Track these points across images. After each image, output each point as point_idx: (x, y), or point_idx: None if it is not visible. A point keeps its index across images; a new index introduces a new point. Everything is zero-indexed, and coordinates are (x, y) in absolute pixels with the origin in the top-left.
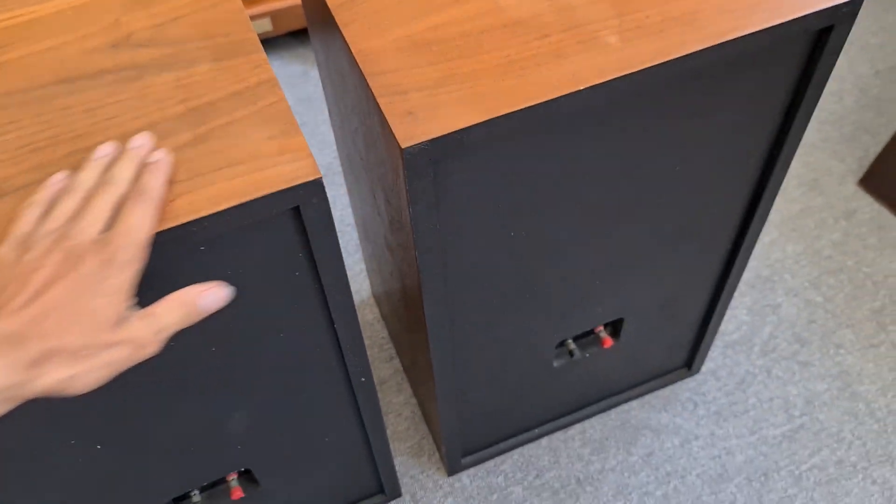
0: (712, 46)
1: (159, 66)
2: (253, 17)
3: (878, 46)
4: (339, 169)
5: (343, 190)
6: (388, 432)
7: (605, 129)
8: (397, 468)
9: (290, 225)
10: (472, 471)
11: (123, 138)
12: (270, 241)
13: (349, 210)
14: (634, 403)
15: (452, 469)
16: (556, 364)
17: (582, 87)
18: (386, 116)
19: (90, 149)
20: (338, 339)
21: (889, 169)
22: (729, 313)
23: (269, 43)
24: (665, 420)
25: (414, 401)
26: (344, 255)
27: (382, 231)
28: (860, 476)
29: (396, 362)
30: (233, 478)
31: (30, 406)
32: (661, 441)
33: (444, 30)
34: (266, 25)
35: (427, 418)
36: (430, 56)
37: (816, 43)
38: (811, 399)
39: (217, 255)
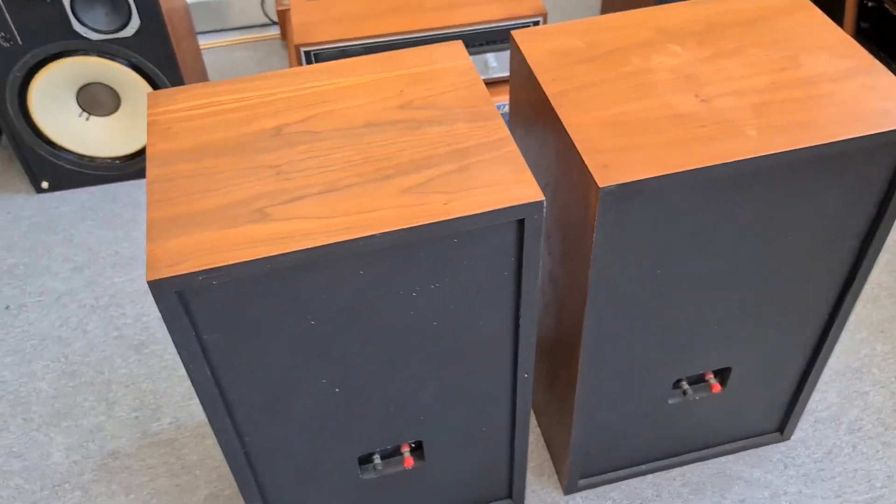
0: (823, 144)
1: (431, 122)
2: None
3: None
4: None
5: None
6: None
7: (740, 198)
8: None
9: (513, 232)
10: (584, 493)
11: (409, 164)
12: (497, 242)
13: None
14: (731, 458)
15: (569, 489)
16: (671, 401)
17: (727, 161)
18: (588, 166)
19: (391, 167)
20: (517, 334)
21: None
22: (820, 395)
23: None
24: (757, 475)
25: (538, 430)
26: None
27: (548, 267)
28: None
29: None
30: (406, 449)
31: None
32: (752, 491)
33: (630, 115)
34: None
35: (549, 444)
36: (619, 131)
37: None
38: (892, 475)
39: (461, 247)
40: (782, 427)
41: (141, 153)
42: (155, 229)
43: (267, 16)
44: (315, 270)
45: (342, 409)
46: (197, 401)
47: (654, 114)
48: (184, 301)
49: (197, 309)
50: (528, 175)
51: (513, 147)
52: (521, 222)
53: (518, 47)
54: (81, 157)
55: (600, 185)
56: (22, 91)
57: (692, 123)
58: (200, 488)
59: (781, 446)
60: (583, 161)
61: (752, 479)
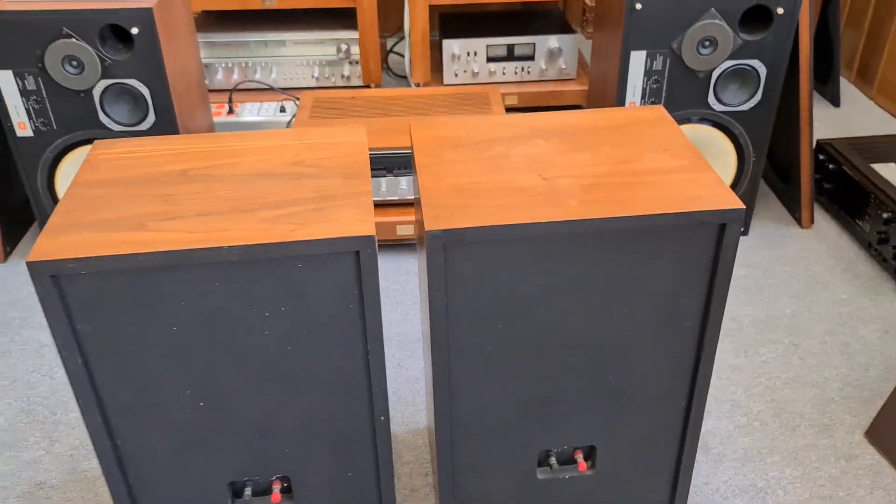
0: (627, 217)
1: (312, 176)
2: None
3: None
4: None
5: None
6: None
7: (567, 264)
8: None
9: (351, 264)
10: None
11: (278, 203)
12: (338, 273)
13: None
14: None
15: None
16: (540, 476)
17: (536, 221)
18: (424, 216)
19: (261, 203)
20: (369, 373)
21: (890, 424)
22: None
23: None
24: None
25: None
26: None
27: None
28: None
29: (430, 478)
30: (277, 486)
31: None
32: None
33: (477, 185)
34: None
35: None
36: (462, 195)
37: (720, 235)
38: None
39: (305, 273)
40: None
41: None
42: (48, 231)
43: None
44: (174, 274)
45: (209, 426)
46: None
47: (499, 185)
48: (59, 286)
49: (70, 296)
50: (371, 218)
51: (368, 199)
52: (357, 255)
53: (411, 133)
54: None
55: (426, 229)
56: (51, 171)
57: (527, 194)
58: None
59: None
60: (422, 213)
61: None
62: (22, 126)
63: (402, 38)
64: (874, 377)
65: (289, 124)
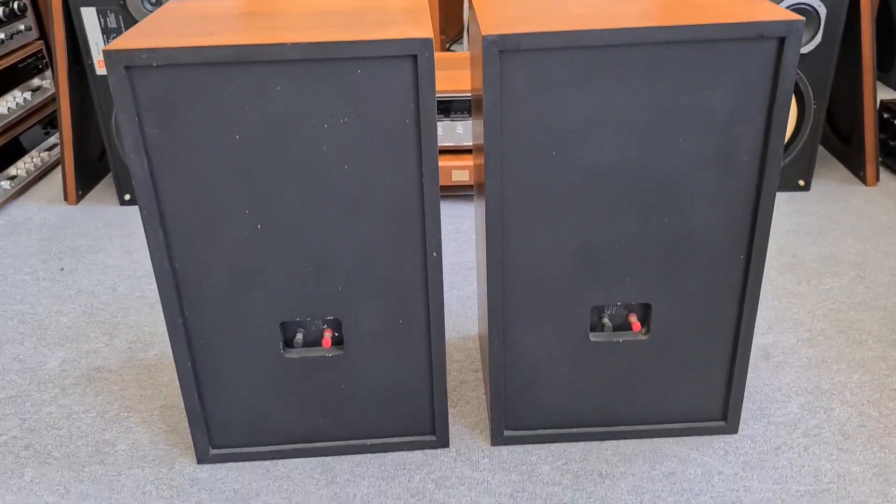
0: (688, 26)
1: (375, 12)
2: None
3: None
4: None
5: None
6: (455, 412)
7: (628, 82)
8: (455, 436)
9: (408, 69)
10: (511, 447)
11: (342, 15)
12: (395, 79)
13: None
14: (671, 440)
15: (495, 439)
16: (592, 338)
17: (595, 28)
18: (481, 28)
19: (330, 23)
20: (423, 198)
21: None
22: (779, 405)
23: None
24: (694, 455)
25: (486, 397)
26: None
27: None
28: None
29: (480, 374)
30: (328, 334)
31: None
32: (685, 467)
33: (535, 14)
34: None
35: (487, 394)
36: (520, 20)
37: (779, 52)
38: (843, 475)
39: (363, 79)
40: (725, 414)
41: None
42: (125, 36)
43: None
44: (238, 72)
45: (264, 256)
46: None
47: (556, 13)
48: (131, 80)
49: (140, 92)
50: (428, 26)
51: (426, 16)
52: (415, 59)
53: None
54: None
55: (483, 34)
56: None
57: (584, 17)
58: (158, 399)
59: (727, 437)
60: (479, 24)
61: (687, 458)
62: (101, 64)
63: None
64: None
65: None
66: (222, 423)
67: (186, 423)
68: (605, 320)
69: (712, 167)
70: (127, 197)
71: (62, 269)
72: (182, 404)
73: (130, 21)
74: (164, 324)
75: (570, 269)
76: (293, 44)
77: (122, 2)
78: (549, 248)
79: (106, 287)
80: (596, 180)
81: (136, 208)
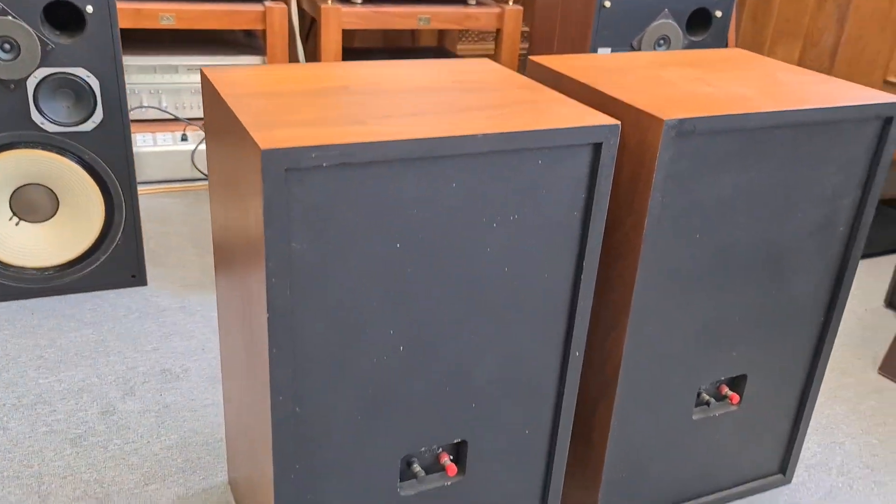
0: (820, 108)
1: (484, 89)
2: None
3: (867, 288)
4: None
5: None
6: None
7: (760, 160)
8: None
9: (589, 156)
10: None
11: (482, 104)
12: (574, 168)
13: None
14: (742, 501)
15: None
16: (695, 417)
17: (743, 112)
18: (641, 110)
19: (466, 106)
20: (576, 295)
21: None
22: (804, 447)
23: None
24: None
25: None
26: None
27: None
28: None
29: None
30: (446, 459)
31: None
32: None
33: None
34: None
35: (565, 496)
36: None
37: (883, 130)
38: None
39: (542, 171)
40: (784, 468)
41: (74, 263)
42: (254, 126)
43: (197, 168)
44: (413, 171)
45: (400, 379)
46: (156, 486)
47: (706, 95)
48: (288, 186)
49: (297, 199)
50: (597, 112)
51: (572, 101)
52: (597, 147)
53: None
54: (5, 266)
55: (664, 119)
56: None
57: (738, 88)
58: None
59: (784, 490)
60: (651, 111)
61: None
62: None
63: None
64: (861, 324)
65: (194, 153)
66: None
67: None
68: (706, 396)
69: (816, 238)
70: None
71: None
72: None
73: None
74: (107, 465)
75: (690, 349)
76: (485, 135)
77: None
78: (673, 328)
79: None
80: (726, 258)
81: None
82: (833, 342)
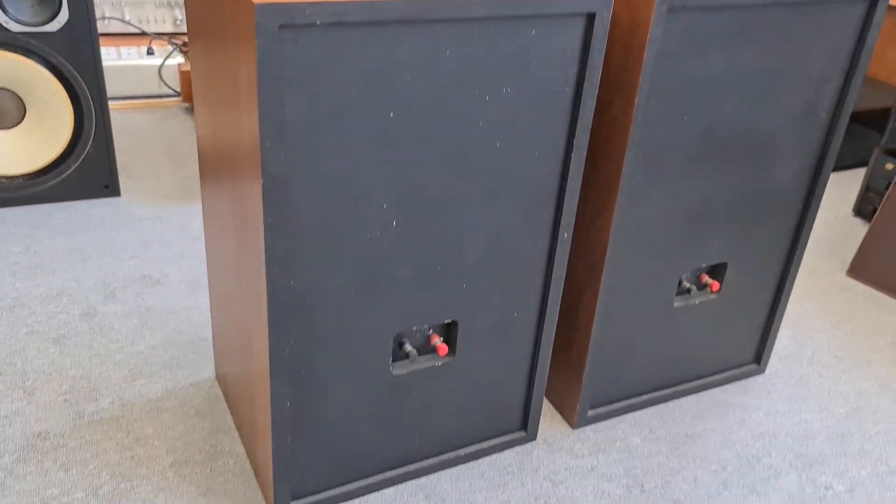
0: None
1: None
2: None
3: (836, 199)
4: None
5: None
6: None
7: (748, 41)
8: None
9: (581, 28)
10: (594, 426)
11: None
12: (567, 40)
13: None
14: (718, 390)
15: (580, 422)
16: (676, 304)
17: None
18: None
19: None
20: (565, 176)
21: (870, 261)
22: (776, 342)
23: None
24: (748, 400)
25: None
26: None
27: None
28: None
29: None
30: (437, 339)
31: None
32: (749, 412)
33: None
34: None
35: (549, 391)
36: None
37: (869, 10)
38: (861, 392)
39: (535, 42)
40: (758, 358)
41: (44, 172)
42: None
43: (166, 84)
44: (408, 35)
45: (394, 255)
46: (143, 381)
47: None
48: (282, 44)
49: (291, 60)
50: None
51: None
52: (591, 18)
53: None
54: None
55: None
56: None
57: None
58: (162, 457)
59: (759, 378)
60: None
61: (744, 404)
62: None
63: None
64: (827, 233)
65: (161, 68)
66: (308, 467)
67: (224, 479)
68: (686, 283)
69: (799, 124)
70: None
71: None
72: (198, 457)
73: None
74: (92, 363)
75: (674, 236)
76: None
77: None
78: (659, 213)
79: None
80: (711, 143)
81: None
82: (810, 231)
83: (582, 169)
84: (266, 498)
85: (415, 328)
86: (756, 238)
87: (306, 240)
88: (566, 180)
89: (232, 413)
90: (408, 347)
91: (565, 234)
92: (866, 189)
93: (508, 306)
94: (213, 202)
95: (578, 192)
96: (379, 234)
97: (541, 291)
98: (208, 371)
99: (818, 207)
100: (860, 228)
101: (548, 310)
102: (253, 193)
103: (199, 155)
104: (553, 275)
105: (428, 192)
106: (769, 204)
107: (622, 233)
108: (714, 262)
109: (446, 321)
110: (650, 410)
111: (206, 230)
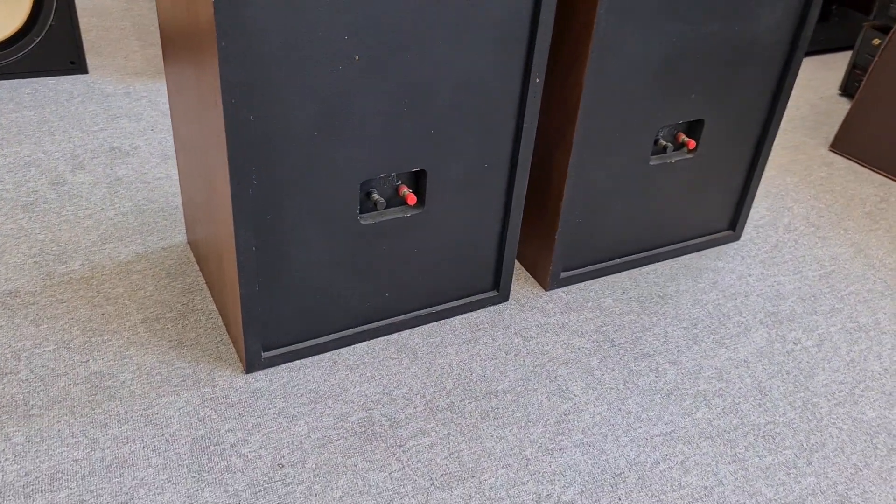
0: None
1: None
2: None
3: (822, 80)
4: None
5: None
6: None
7: None
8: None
9: None
10: (566, 287)
11: None
12: None
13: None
14: (693, 255)
15: (551, 284)
16: (651, 162)
17: None
18: None
19: None
20: (537, 13)
21: (853, 135)
22: (752, 210)
23: None
24: (721, 265)
25: None
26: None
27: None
28: (890, 298)
29: None
30: (405, 190)
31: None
32: (721, 275)
33: None
34: None
35: (521, 254)
36: None
37: None
38: (836, 257)
39: None
40: (734, 225)
41: (6, 45)
42: None
43: None
44: None
45: (357, 93)
46: (113, 245)
47: None
48: None
49: None
50: None
51: None
52: None
53: None
54: None
55: None
56: None
57: None
58: (133, 314)
59: (734, 245)
60: None
61: (717, 268)
62: None
63: None
64: (808, 112)
65: None
66: (278, 318)
67: (195, 334)
68: (662, 141)
69: None
70: None
71: None
72: (169, 315)
73: None
74: (61, 228)
75: (650, 88)
76: None
77: None
78: (635, 62)
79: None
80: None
81: None
82: (793, 85)
83: (554, 7)
84: (238, 350)
85: (382, 175)
86: (735, 95)
87: (264, 69)
88: (538, 18)
89: (203, 274)
90: (376, 196)
91: (537, 79)
92: (853, 67)
93: (479, 156)
94: (174, 61)
95: (550, 33)
96: (341, 68)
97: (512, 141)
98: (180, 237)
99: (801, 61)
100: (846, 107)
101: (519, 161)
102: (207, 18)
103: (157, 11)
104: (525, 123)
105: (391, 23)
106: (751, 55)
107: (596, 83)
108: (691, 118)
109: (414, 170)
110: (624, 274)
111: (170, 96)
